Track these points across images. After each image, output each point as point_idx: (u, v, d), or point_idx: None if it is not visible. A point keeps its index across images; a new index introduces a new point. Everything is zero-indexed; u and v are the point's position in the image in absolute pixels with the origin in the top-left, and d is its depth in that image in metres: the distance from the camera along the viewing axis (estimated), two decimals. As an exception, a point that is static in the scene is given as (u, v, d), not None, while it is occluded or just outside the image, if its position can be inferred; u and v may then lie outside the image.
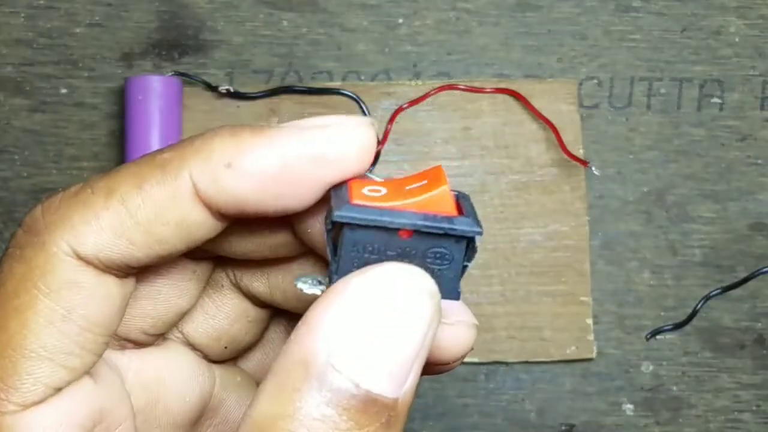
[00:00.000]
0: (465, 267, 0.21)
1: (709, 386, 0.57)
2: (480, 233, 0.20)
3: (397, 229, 0.20)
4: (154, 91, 0.55)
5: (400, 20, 0.60)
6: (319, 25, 0.59)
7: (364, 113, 0.58)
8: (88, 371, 0.21)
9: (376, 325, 0.19)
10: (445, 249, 0.20)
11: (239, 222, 0.23)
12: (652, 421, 0.57)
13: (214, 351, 0.26)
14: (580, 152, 0.57)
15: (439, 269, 0.20)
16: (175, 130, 0.56)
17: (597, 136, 0.59)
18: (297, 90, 0.58)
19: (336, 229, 0.20)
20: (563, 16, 0.60)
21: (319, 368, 0.18)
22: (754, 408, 0.57)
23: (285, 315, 0.28)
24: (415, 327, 0.19)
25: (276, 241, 0.24)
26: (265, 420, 0.18)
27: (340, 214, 0.20)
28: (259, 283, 0.25)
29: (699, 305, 0.57)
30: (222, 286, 0.26)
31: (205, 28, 0.59)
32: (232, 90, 0.57)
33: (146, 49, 0.59)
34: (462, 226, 0.20)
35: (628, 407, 0.57)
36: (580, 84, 0.59)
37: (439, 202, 0.21)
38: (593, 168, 0.57)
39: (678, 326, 0.57)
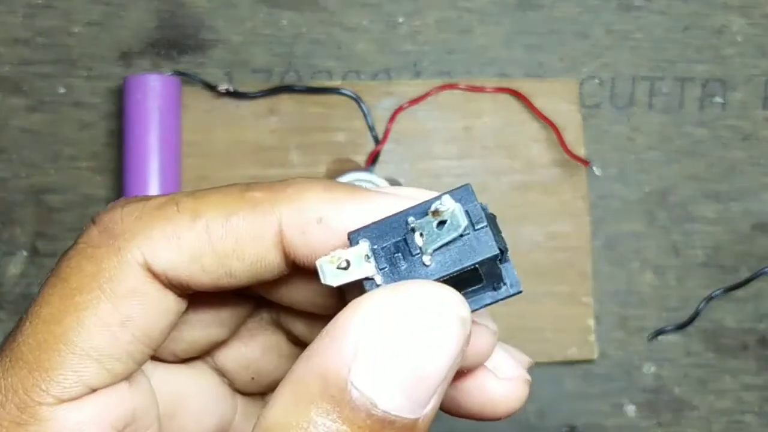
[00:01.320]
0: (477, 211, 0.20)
1: (711, 387, 0.57)
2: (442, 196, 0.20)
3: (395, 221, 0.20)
4: (153, 91, 0.55)
5: (401, 19, 0.59)
6: (318, 24, 0.59)
7: (363, 112, 0.58)
8: (126, 378, 0.22)
9: (402, 345, 0.18)
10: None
11: (299, 275, 0.23)
12: (654, 423, 0.56)
13: (240, 380, 0.26)
14: (581, 152, 0.57)
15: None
16: (174, 130, 0.56)
17: (598, 136, 0.58)
18: (297, 89, 0.58)
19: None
20: (565, 16, 0.59)
21: (339, 383, 0.18)
22: (756, 409, 0.57)
23: None
24: (444, 351, 0.18)
25: (327, 302, 0.23)
26: (278, 428, 0.18)
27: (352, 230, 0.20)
28: (301, 324, 0.25)
29: (701, 306, 0.57)
30: (261, 318, 0.26)
31: (204, 27, 0.59)
32: (231, 89, 0.57)
33: (145, 48, 0.59)
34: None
35: (630, 408, 0.57)
36: (582, 83, 0.58)
37: None
38: (595, 168, 0.56)
39: (680, 327, 0.57)
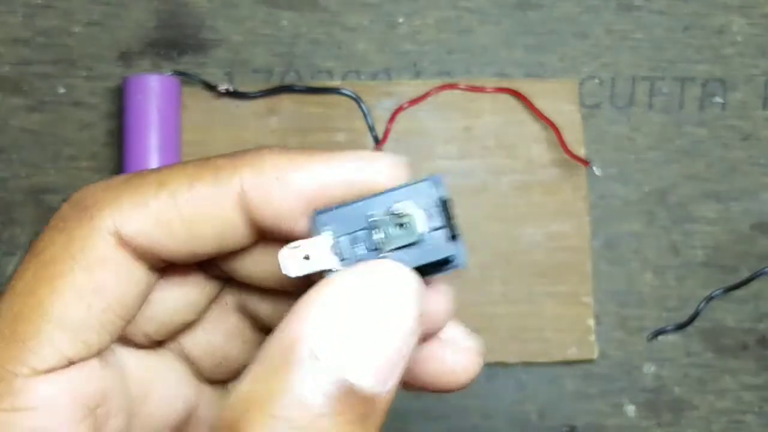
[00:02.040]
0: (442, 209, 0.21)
1: (711, 387, 0.57)
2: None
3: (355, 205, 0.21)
4: (153, 91, 0.55)
5: (401, 19, 0.59)
6: (319, 24, 0.59)
7: (363, 112, 0.58)
8: (100, 352, 0.22)
9: (364, 320, 0.19)
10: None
11: (261, 246, 0.24)
12: (654, 423, 0.56)
13: (206, 366, 0.27)
14: (581, 152, 0.57)
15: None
16: (174, 130, 0.56)
17: (598, 136, 0.58)
18: (297, 89, 0.58)
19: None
20: (565, 15, 0.59)
21: (304, 354, 0.19)
22: (756, 409, 0.57)
23: None
24: (402, 325, 0.20)
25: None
26: (247, 400, 0.19)
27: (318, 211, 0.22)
28: (266, 306, 0.26)
29: (701, 306, 0.57)
30: (226, 303, 0.26)
31: (205, 27, 0.59)
32: (231, 89, 0.57)
33: (145, 48, 0.59)
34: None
35: (630, 408, 0.57)
36: (582, 83, 0.58)
37: None
38: (595, 168, 0.56)
39: (680, 327, 0.57)
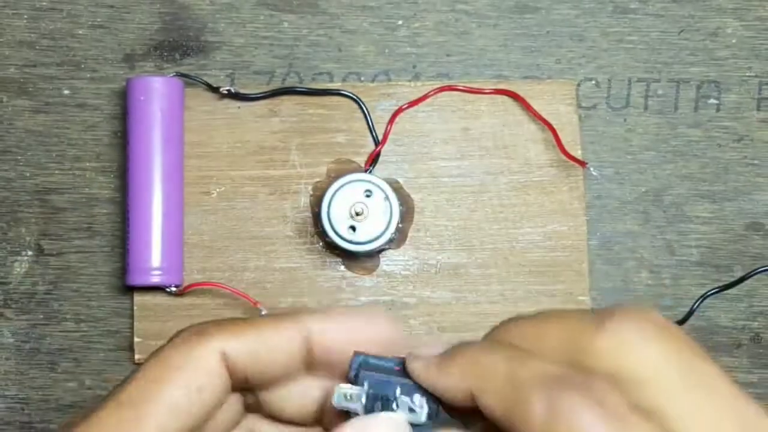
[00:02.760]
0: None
1: (705, 385, 0.57)
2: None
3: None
4: (156, 92, 0.55)
5: (400, 22, 0.60)
6: (319, 26, 0.60)
7: (364, 114, 0.58)
8: None
9: None
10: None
11: (300, 380, 0.31)
12: (650, 420, 0.57)
13: None
14: (578, 153, 0.58)
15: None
16: (177, 131, 0.57)
17: (595, 137, 0.59)
18: (297, 91, 0.58)
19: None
20: (561, 18, 0.60)
21: None
22: (750, 406, 0.57)
23: None
24: None
25: (308, 409, 0.32)
26: None
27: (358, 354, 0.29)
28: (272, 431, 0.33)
29: (696, 304, 0.57)
30: (241, 426, 0.33)
31: (207, 30, 0.60)
32: (233, 91, 0.58)
33: (148, 50, 0.59)
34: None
35: (626, 405, 0.57)
36: (578, 85, 0.59)
37: None
38: (591, 168, 0.57)
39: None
